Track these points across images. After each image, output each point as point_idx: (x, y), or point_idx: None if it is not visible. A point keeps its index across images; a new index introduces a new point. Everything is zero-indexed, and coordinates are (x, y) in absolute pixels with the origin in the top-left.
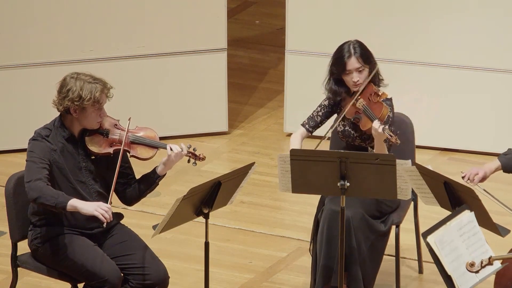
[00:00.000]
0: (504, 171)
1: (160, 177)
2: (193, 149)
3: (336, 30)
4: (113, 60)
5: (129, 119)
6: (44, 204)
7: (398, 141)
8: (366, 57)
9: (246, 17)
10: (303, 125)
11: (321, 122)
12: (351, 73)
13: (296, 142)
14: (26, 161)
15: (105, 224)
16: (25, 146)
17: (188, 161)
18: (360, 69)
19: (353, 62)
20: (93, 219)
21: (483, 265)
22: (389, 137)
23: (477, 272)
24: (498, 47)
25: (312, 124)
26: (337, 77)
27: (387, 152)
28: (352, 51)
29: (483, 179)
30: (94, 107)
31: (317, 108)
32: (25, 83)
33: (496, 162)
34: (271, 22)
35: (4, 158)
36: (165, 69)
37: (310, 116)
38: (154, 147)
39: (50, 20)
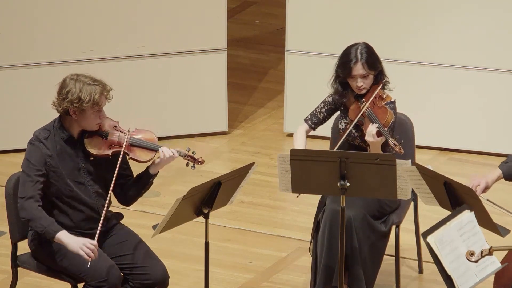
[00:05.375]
0: (506, 179)
1: (154, 176)
2: (192, 152)
3: (336, 30)
4: (113, 60)
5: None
6: (32, 227)
7: (402, 151)
8: (372, 63)
9: (246, 17)
10: (305, 121)
11: (324, 119)
12: (356, 78)
13: (300, 140)
14: (22, 171)
15: (89, 264)
16: (25, 146)
17: (187, 164)
18: (365, 75)
19: (358, 68)
20: (91, 220)
21: (483, 255)
22: (393, 145)
23: (476, 261)
24: (498, 47)
25: (315, 121)
26: (342, 80)
27: None
28: (359, 56)
29: (485, 189)
30: (93, 109)
31: (320, 105)
32: (25, 83)
33: (497, 171)
34: (271, 22)
35: (4, 158)
36: (165, 69)
37: (313, 112)
38: (153, 150)
39: (50, 20)
